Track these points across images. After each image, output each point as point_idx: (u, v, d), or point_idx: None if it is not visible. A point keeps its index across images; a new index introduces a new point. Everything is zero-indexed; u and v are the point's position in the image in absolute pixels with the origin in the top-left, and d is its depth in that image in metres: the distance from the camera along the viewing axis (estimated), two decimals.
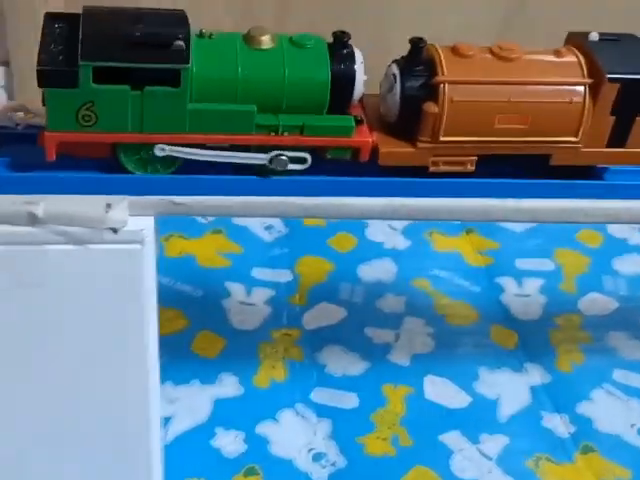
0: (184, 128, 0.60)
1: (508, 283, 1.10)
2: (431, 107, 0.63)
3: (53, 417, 0.69)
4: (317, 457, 0.86)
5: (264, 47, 0.61)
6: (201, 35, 0.61)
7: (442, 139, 0.64)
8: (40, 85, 0.58)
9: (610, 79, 0.65)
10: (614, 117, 0.67)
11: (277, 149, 0.62)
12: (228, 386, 0.92)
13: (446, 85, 0.63)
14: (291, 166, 0.63)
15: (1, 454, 0.70)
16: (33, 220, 0.59)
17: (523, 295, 1.09)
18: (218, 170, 0.64)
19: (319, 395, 0.93)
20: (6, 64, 1.29)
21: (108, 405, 0.69)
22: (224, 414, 0.89)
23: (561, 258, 1.15)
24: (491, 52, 0.66)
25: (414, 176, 0.66)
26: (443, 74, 0.64)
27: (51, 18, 0.61)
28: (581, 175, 0.68)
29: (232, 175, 0.64)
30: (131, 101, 0.58)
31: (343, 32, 0.63)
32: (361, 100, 0.66)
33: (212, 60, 0.60)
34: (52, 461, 0.71)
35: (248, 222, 1.14)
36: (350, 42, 0.63)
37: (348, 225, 1.16)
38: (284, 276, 1.08)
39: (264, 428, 0.88)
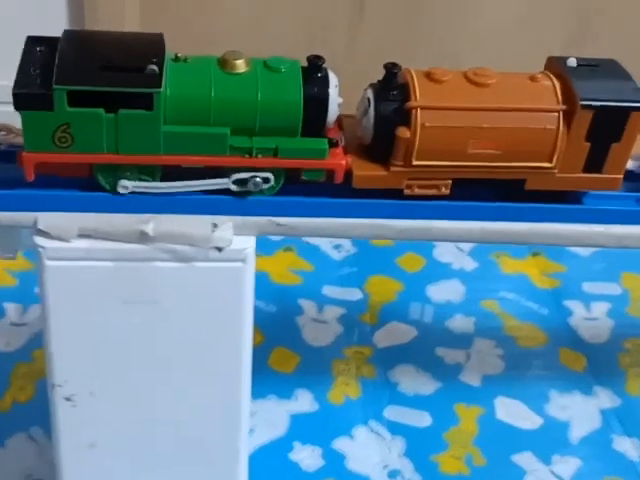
0: (158, 150, 0.61)
1: (576, 306, 1.11)
2: (403, 132, 0.63)
3: (152, 425, 0.72)
4: (392, 474, 0.87)
5: (238, 71, 0.62)
6: (176, 59, 0.62)
7: (415, 163, 0.64)
8: (16, 108, 0.59)
9: (583, 106, 0.64)
10: (589, 143, 0.65)
11: (251, 171, 0.63)
12: (304, 401, 0.94)
13: (418, 110, 0.63)
14: (265, 186, 0.64)
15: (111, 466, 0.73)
16: (144, 238, 0.62)
17: (591, 319, 1.10)
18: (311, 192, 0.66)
19: (392, 413, 0.94)
20: None
21: (202, 414, 0.72)
22: (301, 429, 0.91)
23: (628, 282, 1.16)
24: (466, 77, 0.65)
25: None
26: (416, 99, 0.63)
27: (33, 41, 0.63)
28: (558, 199, 0.68)
29: (325, 198, 0.66)
30: (106, 124, 0.60)
31: (318, 56, 0.63)
32: (340, 121, 0.67)
33: (186, 83, 0.61)
34: (147, 460, 0.74)
35: (318, 240, 1.17)
36: (324, 66, 0.63)
37: (416, 245, 1.18)
38: (354, 294, 1.10)
39: (340, 444, 0.90)
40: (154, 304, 0.65)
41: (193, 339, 0.67)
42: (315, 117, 0.63)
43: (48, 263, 0.62)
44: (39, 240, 0.62)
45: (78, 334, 0.66)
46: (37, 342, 0.99)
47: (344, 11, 1.34)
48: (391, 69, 0.64)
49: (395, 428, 0.92)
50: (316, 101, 0.62)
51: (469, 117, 0.64)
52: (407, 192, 0.66)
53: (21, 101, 0.58)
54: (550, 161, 0.66)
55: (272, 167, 0.63)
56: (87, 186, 0.63)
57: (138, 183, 0.62)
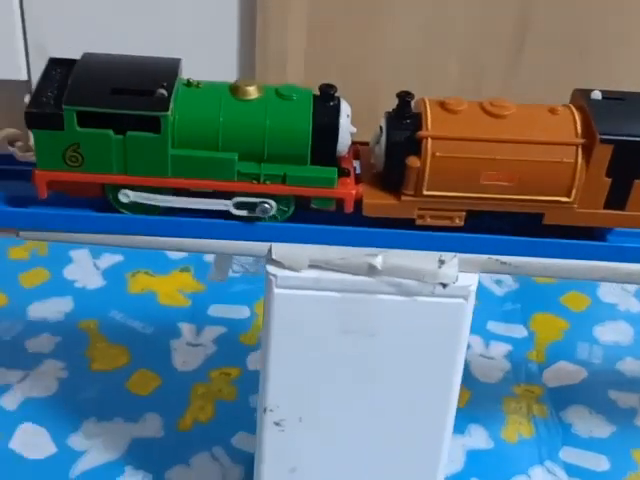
0: (166, 172, 0.62)
1: None
2: (414, 161, 0.63)
3: (353, 453, 0.73)
4: None
5: (249, 97, 0.62)
6: (189, 84, 0.63)
7: (426, 193, 0.64)
8: (28, 126, 0.61)
9: (603, 140, 0.62)
10: (610, 179, 0.63)
11: (260, 196, 0.63)
12: (478, 438, 0.94)
13: (429, 140, 0.62)
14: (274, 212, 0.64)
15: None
16: (372, 271, 0.64)
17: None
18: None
19: (568, 454, 0.93)
20: None
21: (403, 447, 0.72)
22: (478, 466, 0.91)
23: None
24: (482, 108, 0.64)
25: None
26: (427, 129, 0.63)
27: (53, 63, 0.65)
28: (583, 235, 0.66)
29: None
30: (114, 144, 0.61)
31: (330, 85, 0.63)
32: (357, 150, 0.67)
33: (195, 108, 0.62)
34: None
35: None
36: (337, 94, 0.63)
37: (579, 284, 1.17)
38: (519, 331, 1.10)
39: None
40: (372, 335, 0.67)
41: (406, 372, 0.68)
42: (324, 146, 0.63)
43: (277, 291, 0.64)
44: (271, 269, 0.64)
45: (296, 360, 0.68)
46: (213, 363, 1.01)
47: (503, 51, 1.34)
48: (404, 97, 0.63)
49: (572, 470, 0.91)
50: (325, 130, 0.62)
51: (482, 148, 0.63)
52: (419, 222, 0.65)
53: (32, 120, 0.60)
54: (568, 196, 0.64)
55: (280, 194, 0.63)
56: (317, 220, 0.66)
57: (139, 193, 0.63)
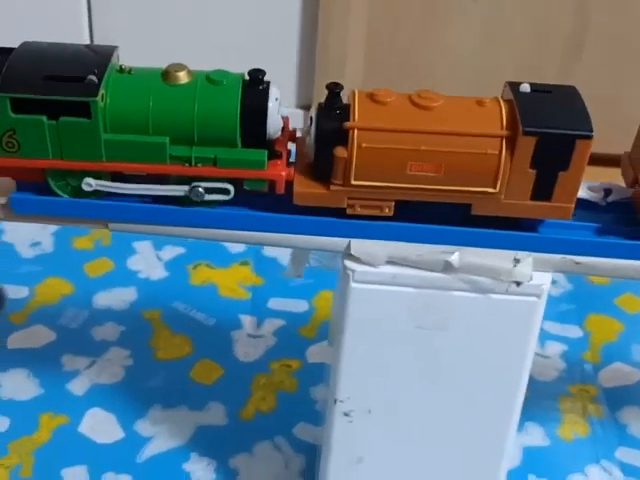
0: (100, 157, 0.63)
1: None
2: (341, 152, 0.63)
3: (419, 446, 0.75)
4: None
5: (179, 82, 0.63)
6: (121, 70, 0.64)
7: (354, 183, 0.64)
8: None
9: (526, 132, 0.62)
10: (535, 170, 0.64)
11: (194, 180, 0.64)
12: (535, 435, 0.95)
13: (355, 131, 0.63)
14: (216, 197, 0.65)
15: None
16: (448, 268, 0.65)
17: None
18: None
19: (624, 454, 0.94)
20: (307, 108, 1.39)
21: (468, 441, 0.74)
22: (535, 463, 0.92)
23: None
24: (410, 100, 0.65)
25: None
26: (354, 120, 0.63)
27: None
28: (513, 226, 0.67)
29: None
30: (48, 130, 0.62)
31: (259, 70, 0.64)
32: (294, 136, 0.68)
33: (126, 94, 0.63)
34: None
35: None
36: (266, 79, 0.64)
37: (633, 286, 1.17)
38: (574, 332, 1.11)
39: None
40: (445, 331, 0.68)
41: (476, 369, 0.70)
42: (254, 128, 0.64)
43: (354, 285, 0.66)
44: (349, 264, 0.66)
45: (368, 353, 0.70)
46: (273, 354, 1.04)
47: (559, 52, 1.35)
48: (333, 89, 0.65)
49: (628, 470, 0.92)
50: (253, 112, 0.63)
51: (407, 139, 0.63)
52: (349, 211, 0.66)
53: None
54: (494, 187, 0.64)
55: (212, 176, 0.64)
56: (388, 217, 0.67)
57: (101, 182, 0.65)
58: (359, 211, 0.66)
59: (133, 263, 1.17)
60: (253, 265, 1.18)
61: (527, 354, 0.69)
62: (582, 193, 0.68)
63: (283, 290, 1.14)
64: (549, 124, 0.63)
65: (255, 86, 0.64)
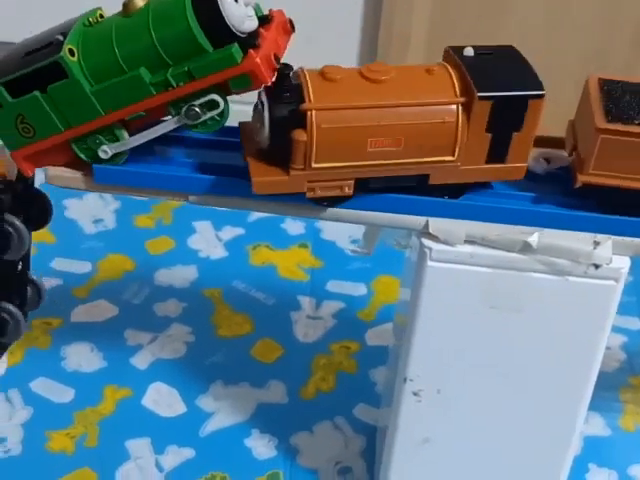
0: (98, 112, 0.63)
1: None
2: (300, 134, 0.61)
3: (487, 427, 0.75)
4: None
5: (134, 11, 0.62)
6: (89, 24, 0.64)
7: (315, 166, 0.62)
8: None
9: (481, 97, 0.61)
10: (490, 134, 0.63)
11: (184, 102, 0.62)
12: (596, 425, 0.95)
13: (313, 112, 0.61)
14: (210, 113, 0.63)
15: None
16: (526, 248, 0.65)
17: None
18: None
19: None
20: None
21: (537, 424, 0.74)
22: (595, 452, 0.92)
23: None
24: (361, 74, 0.63)
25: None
26: (310, 101, 0.61)
27: None
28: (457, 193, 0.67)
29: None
30: (46, 103, 0.62)
31: None
32: (286, 25, 0.65)
33: (94, 43, 0.62)
34: (474, 460, 0.78)
35: None
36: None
37: None
38: (634, 324, 1.10)
39: (635, 470, 0.90)
40: (519, 312, 0.68)
41: (548, 350, 0.70)
42: (213, 25, 0.60)
43: (430, 264, 0.66)
44: (426, 242, 0.66)
45: (441, 332, 0.70)
46: (333, 336, 1.04)
47: (625, 47, 1.33)
48: (283, 70, 0.62)
49: None
50: (205, 8, 0.60)
51: (366, 115, 0.62)
52: (309, 195, 0.64)
53: None
54: (452, 154, 0.64)
55: (195, 91, 0.62)
56: (474, 198, 0.67)
57: (113, 145, 0.65)
58: (319, 193, 0.64)
59: (193, 242, 1.18)
60: (312, 247, 1.18)
61: (602, 339, 0.69)
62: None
63: (341, 273, 1.14)
64: (502, 87, 0.63)
65: None
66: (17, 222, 0.68)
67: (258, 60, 0.60)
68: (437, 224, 0.66)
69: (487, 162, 0.65)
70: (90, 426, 0.91)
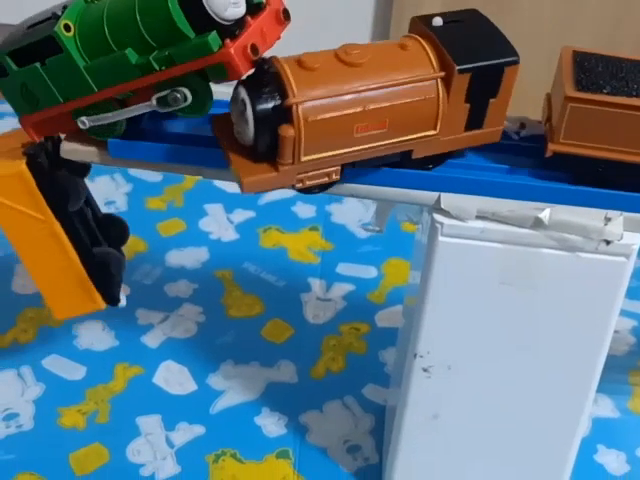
0: (92, 88, 0.64)
1: None
2: (287, 130, 0.60)
3: (496, 403, 0.75)
4: None
5: None
6: (87, 1, 0.64)
7: (304, 159, 0.61)
8: None
9: (460, 70, 0.62)
10: (469, 104, 0.64)
11: (167, 86, 0.62)
12: (605, 407, 0.95)
13: (298, 106, 0.60)
14: (188, 102, 0.62)
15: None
16: (537, 224, 0.65)
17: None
18: None
19: None
20: None
21: (546, 401, 0.74)
22: (604, 433, 0.92)
23: None
24: (338, 58, 0.62)
25: None
26: (294, 95, 0.60)
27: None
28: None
29: None
30: (46, 75, 0.64)
31: None
32: (280, 12, 0.64)
33: (89, 19, 0.63)
34: (482, 436, 0.78)
35: None
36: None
37: None
38: None
39: None
40: (530, 288, 0.68)
41: (559, 327, 0.70)
42: (193, 10, 0.59)
43: (441, 239, 0.67)
44: (438, 217, 0.66)
45: (451, 308, 0.70)
46: (342, 317, 1.04)
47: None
48: (261, 65, 0.60)
49: None
50: None
51: (351, 102, 0.61)
52: (299, 186, 0.63)
53: None
54: (434, 128, 0.64)
55: (173, 77, 0.61)
56: (485, 175, 0.68)
57: (90, 117, 0.65)
58: (308, 184, 0.64)
59: (204, 224, 1.18)
60: (322, 230, 1.19)
61: (612, 315, 0.69)
62: None
63: (352, 256, 1.14)
64: (479, 58, 0.63)
65: None
66: (64, 172, 0.71)
67: (232, 50, 0.59)
68: (449, 199, 0.66)
69: (466, 130, 0.66)
70: (101, 403, 0.92)
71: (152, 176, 1.26)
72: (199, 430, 0.89)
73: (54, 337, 0.99)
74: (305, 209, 1.22)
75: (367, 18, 1.35)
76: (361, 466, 0.87)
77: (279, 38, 0.65)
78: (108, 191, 1.23)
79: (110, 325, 1.01)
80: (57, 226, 0.71)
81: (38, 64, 0.64)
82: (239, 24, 0.61)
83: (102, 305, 0.76)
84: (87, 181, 1.22)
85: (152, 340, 1.00)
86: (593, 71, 0.66)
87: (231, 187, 1.26)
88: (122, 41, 0.62)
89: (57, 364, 0.96)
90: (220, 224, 1.19)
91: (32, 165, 0.69)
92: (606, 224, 0.65)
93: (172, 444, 0.88)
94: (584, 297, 0.68)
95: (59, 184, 0.71)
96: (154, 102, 0.63)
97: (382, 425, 0.91)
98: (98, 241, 0.76)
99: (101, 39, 0.63)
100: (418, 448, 0.79)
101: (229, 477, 0.85)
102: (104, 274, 0.75)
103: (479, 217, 0.66)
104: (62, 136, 0.70)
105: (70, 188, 0.72)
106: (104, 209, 1.19)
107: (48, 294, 0.75)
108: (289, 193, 1.25)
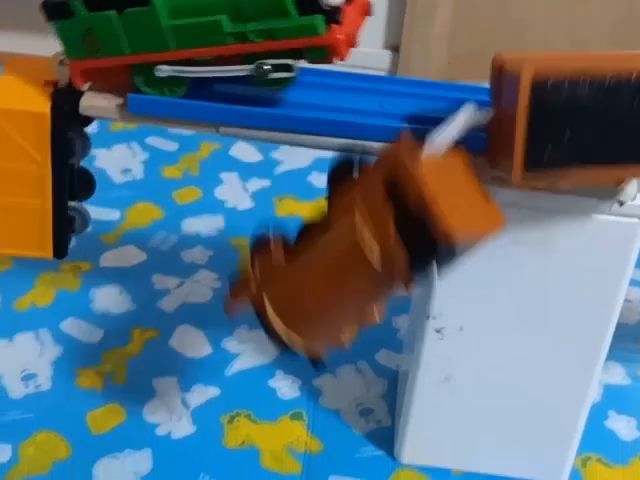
0: (167, 45, 0.64)
1: None
2: None
3: (508, 365, 0.76)
4: None
5: None
6: None
7: None
8: (46, 19, 0.65)
9: None
10: None
11: (257, 57, 0.63)
12: (615, 374, 0.96)
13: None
14: (279, 74, 0.64)
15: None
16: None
17: None
18: None
19: None
20: (394, 49, 1.40)
21: (557, 364, 0.75)
22: (615, 400, 0.93)
23: None
24: None
25: None
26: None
27: None
28: None
29: None
30: (118, 24, 0.63)
31: None
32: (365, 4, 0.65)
33: None
34: (493, 399, 0.79)
35: None
36: None
37: None
38: None
39: None
40: (542, 249, 0.69)
41: (571, 289, 0.71)
42: None
43: None
44: None
45: (464, 269, 0.70)
46: None
47: None
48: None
49: None
50: None
51: None
52: None
53: (48, 12, 0.64)
54: None
55: (270, 50, 0.63)
56: None
57: (174, 67, 0.65)
58: None
59: (220, 193, 1.19)
60: None
61: (624, 280, 0.69)
62: None
63: None
64: None
65: None
66: (80, 129, 0.71)
67: (341, 37, 0.62)
68: None
69: None
70: (118, 365, 0.93)
71: (168, 145, 1.27)
72: (214, 391, 0.91)
73: (72, 301, 1.01)
74: (320, 178, 1.22)
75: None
76: (373, 428, 0.89)
77: (360, 29, 0.67)
78: (125, 159, 1.24)
79: (127, 289, 1.02)
80: (48, 172, 0.71)
81: (114, 12, 0.64)
82: (337, 11, 0.63)
83: (51, 254, 0.75)
84: (104, 149, 1.25)
85: (168, 305, 1.01)
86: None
87: (247, 156, 1.27)
88: (217, 7, 0.63)
89: (75, 327, 0.97)
90: (236, 192, 1.19)
91: (56, 111, 0.68)
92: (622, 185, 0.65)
93: (188, 405, 0.89)
94: (596, 260, 0.69)
95: (70, 138, 0.71)
96: (254, 68, 0.64)
97: (394, 390, 0.92)
98: (74, 194, 0.75)
99: (194, 2, 0.63)
100: (430, 411, 0.80)
101: (243, 437, 0.86)
102: (68, 229, 0.75)
103: (493, 178, 0.67)
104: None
105: (79, 145, 0.72)
106: (120, 177, 1.22)
107: None
108: (305, 162, 1.26)
